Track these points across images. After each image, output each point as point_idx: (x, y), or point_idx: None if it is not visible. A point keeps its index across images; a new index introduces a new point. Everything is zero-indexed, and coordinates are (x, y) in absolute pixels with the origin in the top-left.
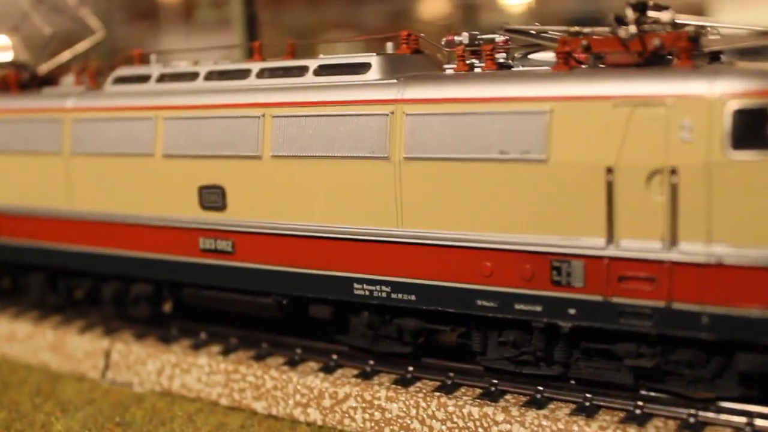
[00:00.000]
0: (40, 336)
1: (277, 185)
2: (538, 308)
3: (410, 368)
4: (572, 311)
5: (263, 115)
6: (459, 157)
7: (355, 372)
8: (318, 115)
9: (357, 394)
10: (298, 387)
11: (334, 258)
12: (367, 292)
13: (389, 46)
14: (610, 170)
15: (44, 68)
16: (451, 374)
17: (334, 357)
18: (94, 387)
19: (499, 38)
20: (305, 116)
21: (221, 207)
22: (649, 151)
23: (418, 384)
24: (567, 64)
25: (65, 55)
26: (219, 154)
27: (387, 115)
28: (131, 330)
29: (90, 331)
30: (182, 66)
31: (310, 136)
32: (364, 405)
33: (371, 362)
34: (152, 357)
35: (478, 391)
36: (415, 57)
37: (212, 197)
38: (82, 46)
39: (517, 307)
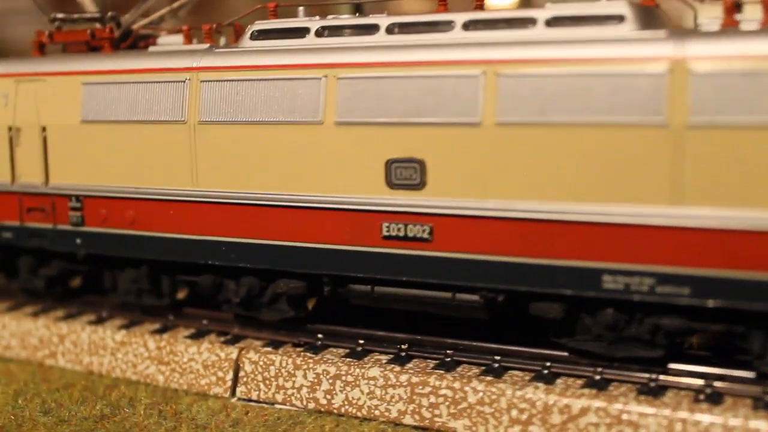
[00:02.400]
0: (139, 345)
1: (500, 158)
2: None
3: (652, 375)
4: None
5: (484, 74)
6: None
7: (581, 382)
8: (561, 75)
9: (598, 407)
10: (515, 401)
11: (577, 245)
12: (621, 286)
13: None
14: None
15: (140, 24)
16: (708, 382)
17: (548, 364)
18: (227, 406)
19: None
20: (543, 76)
21: (418, 185)
22: None
23: (669, 394)
24: None
25: (156, 11)
26: (418, 121)
27: (661, 74)
28: (259, 336)
29: (205, 338)
30: (346, 18)
31: (549, 98)
32: (609, 421)
33: (599, 369)
34: (302, 368)
35: (747, 401)
36: (658, 9)
37: (406, 173)
38: (180, 2)
39: None
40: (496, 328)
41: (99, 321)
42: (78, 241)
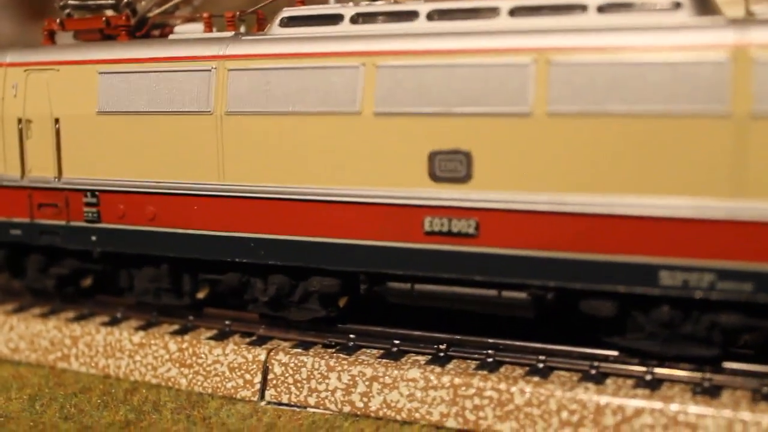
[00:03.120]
0: (159, 347)
1: (552, 149)
2: None
3: (705, 375)
4: None
5: (535, 62)
6: None
7: (631, 382)
8: (617, 63)
9: (654, 408)
10: (564, 402)
11: (633, 240)
12: (679, 282)
13: None
14: None
15: (156, 12)
16: (763, 380)
17: (595, 364)
18: (257, 410)
19: None
20: (598, 64)
21: (463, 177)
22: None
23: (725, 394)
24: None
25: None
26: (464, 111)
27: (723, 62)
28: (286, 337)
29: (229, 340)
30: (383, 5)
31: (604, 87)
32: (664, 422)
33: (650, 368)
34: (336, 370)
35: None
36: None
37: (451, 165)
38: None
39: None
40: (535, 327)
41: (114, 322)
42: (93, 238)
